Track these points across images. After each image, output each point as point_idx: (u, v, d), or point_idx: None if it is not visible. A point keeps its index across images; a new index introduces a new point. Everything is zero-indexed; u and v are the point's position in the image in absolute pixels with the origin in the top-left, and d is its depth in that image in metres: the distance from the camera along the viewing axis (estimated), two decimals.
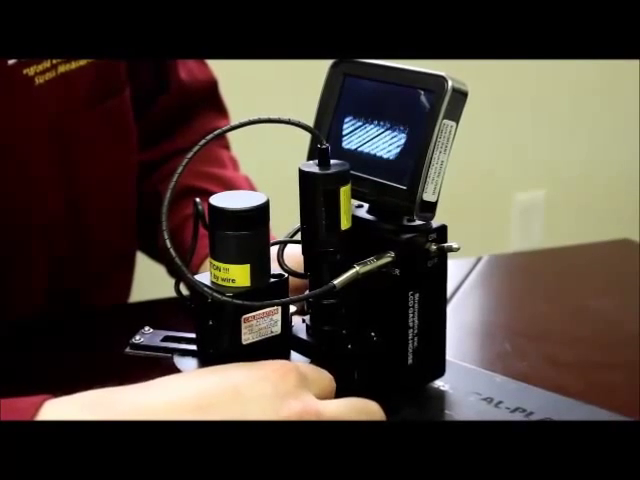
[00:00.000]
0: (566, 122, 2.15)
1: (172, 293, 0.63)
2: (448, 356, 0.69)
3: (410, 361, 0.66)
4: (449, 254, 0.66)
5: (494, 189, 2.15)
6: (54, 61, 0.86)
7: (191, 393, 0.54)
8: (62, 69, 0.87)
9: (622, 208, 2.17)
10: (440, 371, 0.69)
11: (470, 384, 0.71)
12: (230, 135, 1.05)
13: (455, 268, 0.97)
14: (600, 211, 2.19)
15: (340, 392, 0.60)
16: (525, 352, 0.82)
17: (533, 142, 2.15)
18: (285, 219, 0.75)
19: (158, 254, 1.04)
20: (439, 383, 0.70)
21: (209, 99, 1.06)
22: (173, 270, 0.92)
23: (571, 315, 0.90)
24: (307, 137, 0.65)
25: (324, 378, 0.59)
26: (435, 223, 0.65)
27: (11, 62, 0.84)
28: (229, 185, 0.97)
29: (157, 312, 0.90)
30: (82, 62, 0.89)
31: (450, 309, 0.89)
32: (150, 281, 1.16)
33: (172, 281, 0.63)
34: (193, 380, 0.56)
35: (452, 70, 0.63)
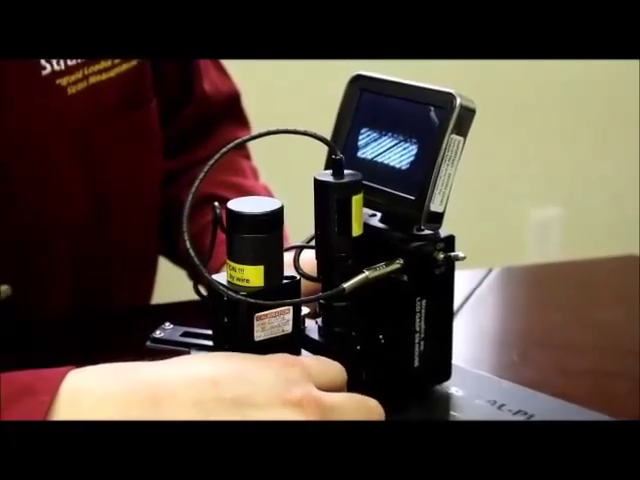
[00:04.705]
0: (583, 138, 2.15)
1: (192, 296, 0.67)
2: (459, 363, 0.72)
3: (416, 364, 0.69)
4: (462, 266, 0.68)
5: (510, 205, 2.15)
6: (86, 72, 0.89)
7: (205, 370, 0.58)
8: (93, 80, 0.90)
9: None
10: (446, 375, 0.71)
11: (476, 388, 0.72)
12: (251, 145, 1.07)
13: (466, 279, 0.99)
14: (613, 227, 2.18)
15: (348, 391, 0.62)
16: (533, 360, 0.83)
17: (551, 158, 2.16)
18: (303, 226, 0.77)
19: (179, 258, 1.06)
20: (446, 386, 0.72)
21: (231, 111, 1.08)
22: (193, 273, 0.95)
23: (580, 325, 0.91)
24: (325, 148, 0.68)
25: (332, 369, 0.62)
26: (443, 233, 0.67)
27: (45, 73, 0.87)
28: (248, 194, 0.99)
29: (176, 313, 0.92)
30: (111, 74, 0.91)
31: (461, 318, 0.91)
32: (171, 285, 1.18)
33: (192, 285, 0.66)
34: (207, 360, 0.60)
35: (470, 83, 0.65)
